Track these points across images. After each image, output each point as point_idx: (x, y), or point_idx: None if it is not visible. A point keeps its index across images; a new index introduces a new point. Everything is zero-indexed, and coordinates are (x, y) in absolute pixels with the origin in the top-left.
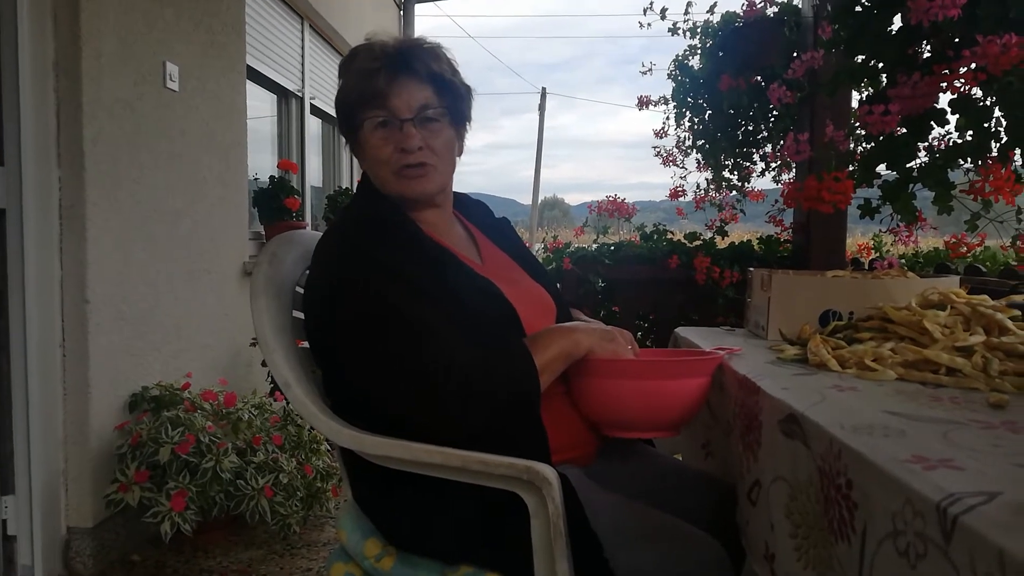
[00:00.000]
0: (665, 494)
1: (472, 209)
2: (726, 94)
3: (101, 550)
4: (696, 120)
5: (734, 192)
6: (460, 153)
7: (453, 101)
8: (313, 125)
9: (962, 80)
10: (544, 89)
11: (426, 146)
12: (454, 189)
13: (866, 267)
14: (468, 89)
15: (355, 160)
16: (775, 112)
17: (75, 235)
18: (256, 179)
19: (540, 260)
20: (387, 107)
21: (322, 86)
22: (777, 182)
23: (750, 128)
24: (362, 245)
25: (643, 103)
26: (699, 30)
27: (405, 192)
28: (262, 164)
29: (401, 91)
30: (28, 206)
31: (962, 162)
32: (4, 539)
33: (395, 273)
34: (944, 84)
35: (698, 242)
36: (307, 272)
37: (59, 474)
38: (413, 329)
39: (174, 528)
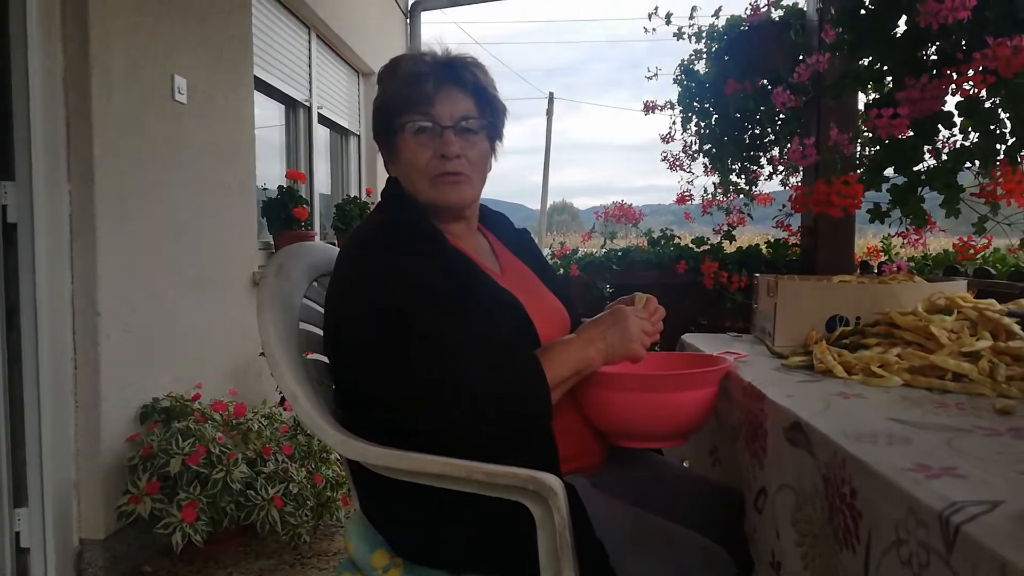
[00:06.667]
0: (672, 502)
1: (493, 220)
2: (732, 98)
3: (113, 561)
4: (702, 124)
5: (741, 196)
6: (490, 169)
7: (492, 116)
8: (321, 134)
9: (971, 82)
10: (552, 94)
11: (463, 155)
12: None
13: (875, 271)
14: (504, 107)
15: (364, 168)
16: (782, 115)
17: (85, 248)
18: (265, 189)
19: None
20: (430, 113)
21: (329, 95)
22: (785, 185)
23: (757, 132)
24: (385, 249)
25: (649, 108)
26: (704, 34)
27: (439, 200)
28: (270, 174)
29: (446, 99)
30: (39, 220)
31: (969, 165)
32: (18, 551)
33: (416, 280)
34: (953, 87)
35: (705, 247)
36: (314, 284)
37: (71, 486)
38: (429, 337)
39: (185, 539)
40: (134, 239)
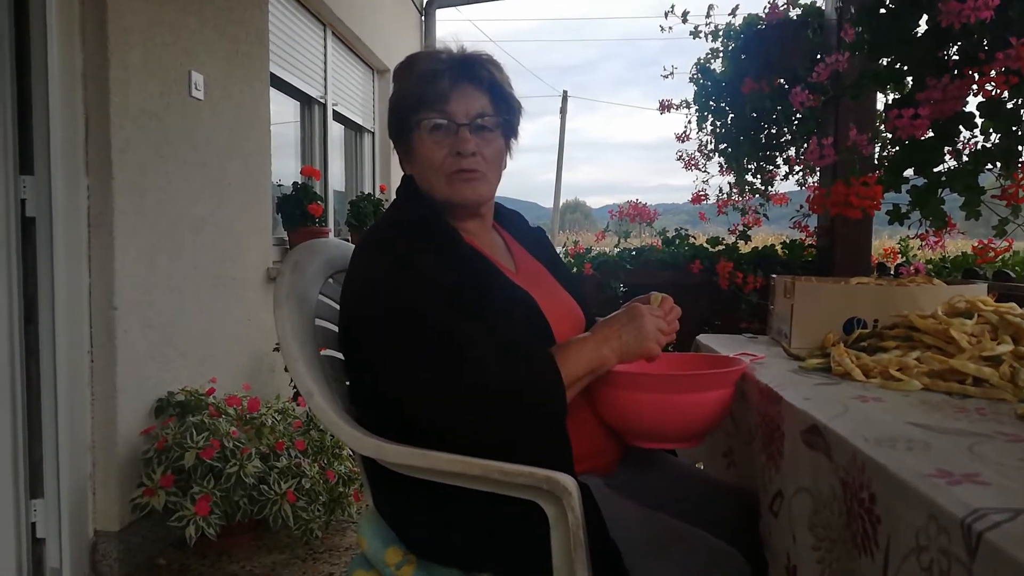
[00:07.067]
0: (686, 504)
1: (508, 218)
2: (748, 97)
3: (127, 553)
4: (718, 123)
5: (757, 196)
6: (505, 167)
7: (507, 114)
8: (336, 131)
9: (993, 83)
10: (565, 92)
11: (479, 153)
12: None
13: (892, 273)
14: (520, 105)
15: (378, 165)
16: (799, 115)
17: (103, 243)
18: (279, 185)
19: None
20: (446, 110)
21: (344, 92)
22: (801, 186)
23: (773, 131)
24: (400, 247)
25: (665, 107)
26: (721, 33)
27: (454, 197)
28: (285, 170)
29: (462, 96)
30: (57, 215)
31: (990, 166)
32: (33, 542)
33: (430, 278)
34: (974, 87)
35: (720, 247)
36: (329, 281)
37: (87, 478)
38: (443, 336)
39: (199, 532)
40: (150, 234)
